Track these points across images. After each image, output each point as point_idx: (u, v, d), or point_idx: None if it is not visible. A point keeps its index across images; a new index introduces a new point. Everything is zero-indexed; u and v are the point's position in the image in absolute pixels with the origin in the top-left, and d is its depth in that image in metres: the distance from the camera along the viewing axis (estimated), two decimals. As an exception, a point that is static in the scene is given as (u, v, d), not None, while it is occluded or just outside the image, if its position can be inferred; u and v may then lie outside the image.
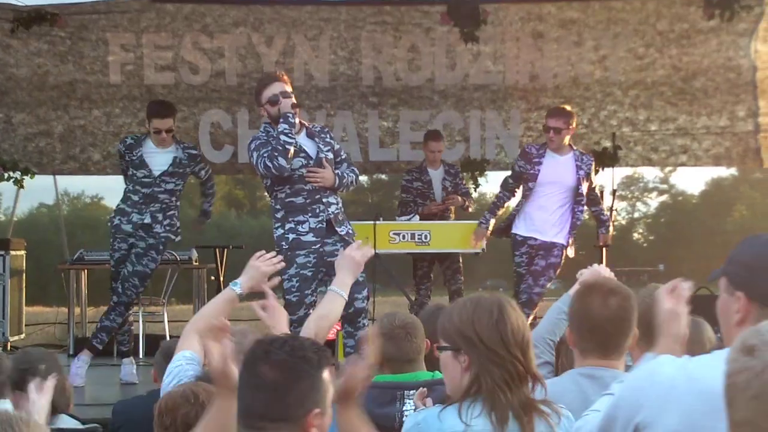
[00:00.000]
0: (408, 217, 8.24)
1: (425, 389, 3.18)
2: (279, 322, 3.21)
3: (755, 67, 9.39)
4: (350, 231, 6.10)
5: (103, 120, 9.39)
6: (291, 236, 5.94)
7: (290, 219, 5.96)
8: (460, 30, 9.08)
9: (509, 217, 7.59)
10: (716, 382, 1.70)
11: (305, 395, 2.24)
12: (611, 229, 7.76)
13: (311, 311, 5.76)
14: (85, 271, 9.38)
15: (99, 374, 7.30)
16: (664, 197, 41.14)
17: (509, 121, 9.61)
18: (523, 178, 7.36)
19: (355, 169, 6.31)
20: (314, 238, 5.94)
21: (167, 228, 7.12)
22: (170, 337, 7.93)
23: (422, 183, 8.64)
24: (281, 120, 5.88)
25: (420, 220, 8.25)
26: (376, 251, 7.66)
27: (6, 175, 9.25)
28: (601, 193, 7.81)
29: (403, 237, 7.94)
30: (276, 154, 5.81)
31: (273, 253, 3.58)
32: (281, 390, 2.23)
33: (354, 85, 9.49)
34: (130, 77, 9.30)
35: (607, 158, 9.18)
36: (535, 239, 7.32)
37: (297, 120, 5.96)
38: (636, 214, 41.87)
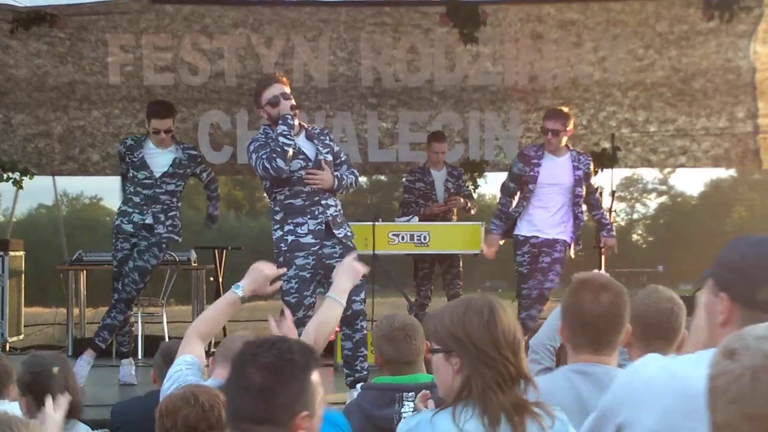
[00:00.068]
0: (407, 218, 8.23)
1: (428, 391, 3.18)
2: None
3: (754, 69, 9.39)
4: (349, 233, 6.10)
5: (102, 121, 9.39)
6: (290, 238, 5.94)
7: (289, 221, 5.96)
8: (460, 31, 9.07)
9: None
10: (698, 382, 1.70)
11: (292, 398, 2.25)
12: (614, 233, 7.68)
13: (310, 312, 5.81)
14: (84, 271, 9.39)
15: (98, 375, 7.29)
16: (663, 198, 41.19)
17: (508, 122, 9.61)
18: (522, 180, 7.37)
19: (355, 171, 6.30)
20: (313, 240, 5.94)
21: (170, 229, 7.13)
22: (169, 337, 7.93)
23: (425, 184, 8.63)
24: (280, 122, 5.88)
25: (421, 221, 8.25)
26: (375, 252, 7.68)
27: (5, 175, 9.25)
28: (601, 194, 7.79)
29: (402, 238, 7.94)
30: (274, 155, 5.81)
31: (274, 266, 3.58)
32: (268, 392, 2.25)
33: (353, 86, 9.49)
34: (130, 78, 9.30)
35: (606, 159, 9.19)
36: (537, 237, 7.33)
37: (296, 122, 5.96)
38: (635, 216, 41.91)
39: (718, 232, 29.38)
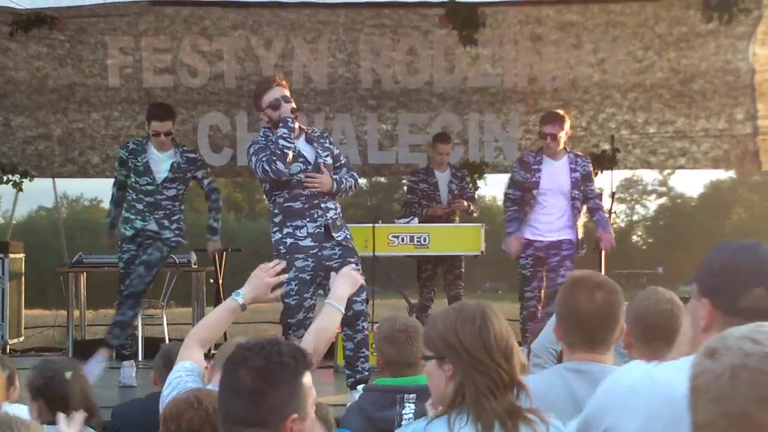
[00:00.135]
0: (407, 219, 8.23)
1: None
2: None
3: (754, 70, 9.39)
4: (348, 236, 6.10)
5: (101, 123, 9.39)
6: (289, 240, 5.95)
7: (288, 224, 5.96)
8: (459, 33, 9.07)
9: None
10: (681, 388, 1.70)
11: (282, 401, 2.27)
12: (610, 228, 7.63)
13: (310, 314, 5.81)
14: (84, 274, 9.38)
15: (98, 377, 7.28)
16: (663, 200, 41.26)
17: (508, 124, 9.61)
18: (525, 187, 7.38)
19: (355, 174, 6.30)
20: (312, 243, 5.94)
21: (177, 233, 7.15)
22: (169, 339, 7.93)
23: (428, 185, 8.61)
24: (281, 124, 5.88)
25: (422, 222, 8.25)
26: (375, 254, 7.68)
27: (5, 178, 9.26)
28: (600, 197, 7.77)
29: (402, 240, 7.94)
30: (274, 158, 5.82)
31: (276, 261, 3.58)
32: (258, 395, 2.27)
33: (352, 88, 9.49)
34: (129, 80, 9.30)
35: (605, 161, 9.18)
36: (542, 241, 7.35)
37: (296, 125, 5.97)
38: (635, 217, 41.98)
39: (717, 233, 29.42)
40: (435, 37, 9.31)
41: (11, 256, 9.24)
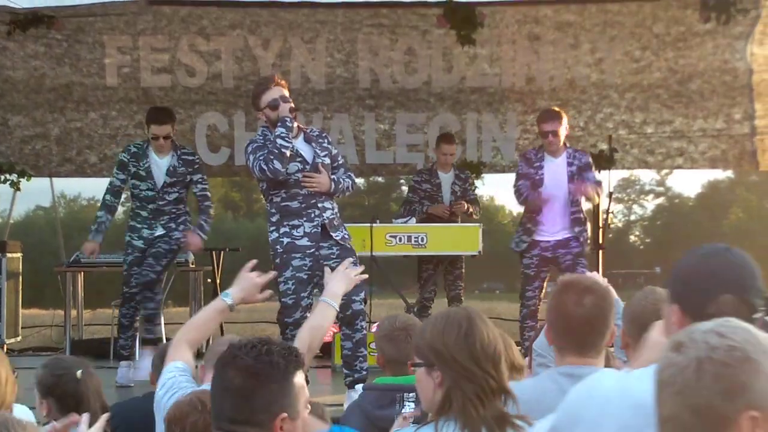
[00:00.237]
0: (404, 219, 8.22)
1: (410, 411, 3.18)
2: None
3: (751, 70, 9.40)
4: (346, 236, 6.10)
5: (99, 122, 9.38)
6: (285, 240, 5.95)
7: (285, 223, 5.97)
8: (457, 33, 9.07)
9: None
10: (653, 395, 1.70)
11: (271, 400, 2.28)
12: (589, 188, 7.31)
13: (307, 314, 5.80)
14: (82, 273, 9.37)
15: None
16: (661, 200, 41.27)
17: (506, 124, 9.62)
18: (532, 181, 7.34)
19: (352, 174, 6.30)
20: (309, 243, 5.94)
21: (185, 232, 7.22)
22: (167, 339, 7.92)
23: (431, 185, 8.59)
24: (279, 124, 5.88)
25: (422, 220, 8.26)
26: (373, 254, 7.68)
27: (2, 177, 9.25)
28: (600, 183, 7.67)
29: (400, 239, 7.93)
30: (272, 157, 5.82)
31: (253, 261, 3.56)
32: (247, 394, 2.28)
33: (350, 88, 9.49)
34: (127, 80, 9.29)
35: (603, 161, 9.18)
36: (548, 241, 7.34)
37: (295, 124, 5.97)
38: (632, 217, 41.98)
39: (715, 233, 29.44)
40: (433, 37, 9.31)
41: (8, 255, 9.22)
